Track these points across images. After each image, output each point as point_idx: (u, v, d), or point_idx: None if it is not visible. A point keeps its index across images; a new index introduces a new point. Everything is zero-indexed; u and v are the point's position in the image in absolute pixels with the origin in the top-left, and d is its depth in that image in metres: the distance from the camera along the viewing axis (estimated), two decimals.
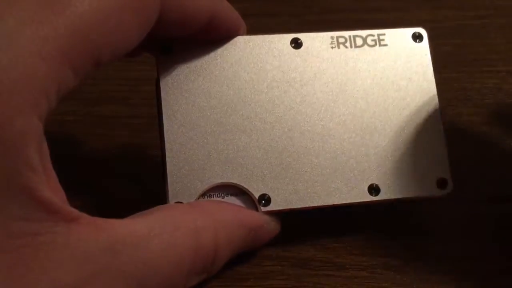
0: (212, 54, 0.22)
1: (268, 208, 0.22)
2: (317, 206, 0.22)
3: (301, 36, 0.23)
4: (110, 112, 0.28)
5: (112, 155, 0.27)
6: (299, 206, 0.22)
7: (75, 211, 0.17)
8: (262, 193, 0.22)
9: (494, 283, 0.23)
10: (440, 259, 0.23)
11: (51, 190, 0.16)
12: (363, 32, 0.24)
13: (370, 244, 0.24)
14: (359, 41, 0.24)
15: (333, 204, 0.22)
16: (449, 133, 0.23)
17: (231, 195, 0.22)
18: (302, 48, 0.23)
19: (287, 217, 0.22)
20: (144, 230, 0.18)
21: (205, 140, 0.22)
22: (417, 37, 0.24)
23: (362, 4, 0.33)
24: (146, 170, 0.25)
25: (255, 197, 0.22)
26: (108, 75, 0.30)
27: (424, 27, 0.24)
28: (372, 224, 0.24)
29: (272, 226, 0.22)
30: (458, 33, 0.32)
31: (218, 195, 0.22)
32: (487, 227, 0.24)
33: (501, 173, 0.26)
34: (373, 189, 0.22)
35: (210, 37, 0.22)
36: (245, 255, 0.23)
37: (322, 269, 0.23)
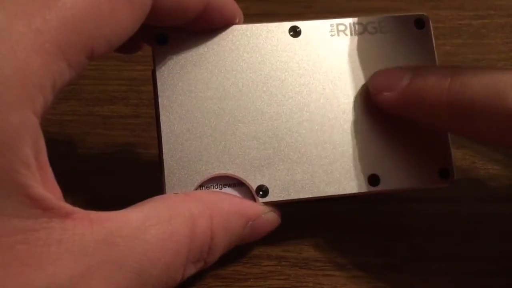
0: (208, 44, 0.22)
1: (266, 199, 0.21)
2: (316, 197, 0.22)
3: (300, 24, 0.23)
4: (110, 112, 0.28)
5: (111, 155, 0.27)
6: (297, 197, 0.22)
7: (69, 206, 0.17)
8: (259, 184, 0.22)
9: (494, 283, 0.23)
10: (440, 259, 0.23)
11: (46, 186, 0.16)
12: (364, 19, 0.23)
13: (370, 244, 0.24)
14: (359, 29, 0.23)
15: (332, 195, 0.22)
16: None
17: (229, 186, 0.22)
18: (301, 36, 0.23)
19: (287, 213, 0.22)
20: (139, 220, 0.18)
21: (202, 131, 0.22)
22: (419, 23, 0.23)
23: (362, 4, 0.33)
24: (146, 170, 0.25)
25: (252, 188, 0.22)
26: (108, 75, 0.30)
27: None
28: (372, 224, 0.24)
29: (271, 217, 0.22)
30: (458, 33, 0.32)
31: (216, 186, 0.22)
32: (487, 227, 0.24)
33: (501, 173, 0.26)
34: (373, 180, 0.22)
35: (206, 26, 0.22)
36: (245, 255, 0.23)
37: (322, 269, 0.23)
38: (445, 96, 0.20)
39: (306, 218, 0.24)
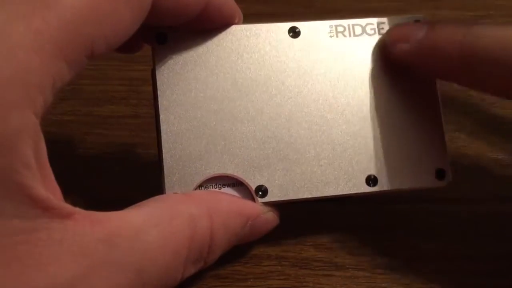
0: (208, 44, 0.22)
1: (265, 199, 0.21)
2: (314, 197, 0.22)
3: (299, 25, 0.23)
4: (110, 112, 0.28)
5: (111, 155, 0.27)
6: (296, 197, 0.22)
7: (69, 207, 0.17)
8: (259, 184, 0.22)
9: (494, 283, 0.23)
10: (440, 259, 0.23)
11: (46, 186, 0.16)
12: (362, 21, 0.23)
13: (370, 244, 0.24)
14: (358, 30, 0.23)
15: (331, 195, 0.22)
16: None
17: (228, 186, 0.22)
18: (300, 37, 0.23)
19: (286, 214, 0.22)
20: (139, 221, 0.18)
21: (201, 131, 0.22)
22: None
23: (362, 5, 0.33)
24: (146, 170, 0.25)
25: (252, 188, 0.21)
26: (108, 75, 0.30)
27: None
28: (372, 224, 0.24)
29: (270, 216, 0.22)
30: None
31: (215, 186, 0.22)
32: (487, 227, 0.24)
33: (501, 172, 0.26)
34: (371, 180, 0.22)
35: (205, 26, 0.22)
36: (245, 255, 0.23)
37: (322, 269, 0.23)
38: (458, 48, 0.20)
39: (305, 218, 0.24)
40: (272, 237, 0.22)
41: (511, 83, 0.20)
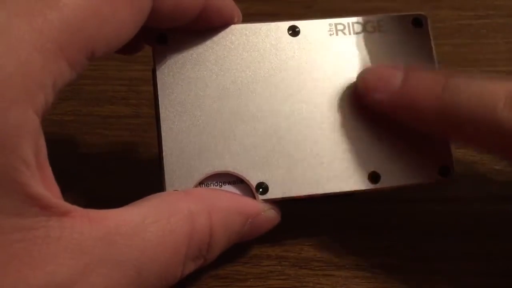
0: (208, 43, 0.22)
1: (266, 197, 0.21)
2: (316, 194, 0.22)
3: (299, 23, 0.23)
4: (110, 112, 0.28)
5: (111, 155, 0.27)
6: (297, 195, 0.22)
7: (67, 205, 0.17)
8: (259, 181, 0.21)
9: (494, 283, 0.23)
10: (440, 259, 0.23)
11: (45, 185, 0.16)
12: (362, 19, 0.23)
13: (370, 244, 0.24)
14: (358, 28, 0.23)
15: (332, 193, 0.22)
16: None
17: (229, 183, 0.22)
18: (300, 35, 0.23)
19: (287, 213, 0.22)
20: (138, 218, 0.18)
21: (201, 129, 0.22)
22: (418, 23, 0.23)
23: (362, 5, 0.33)
24: (146, 170, 0.25)
25: (252, 185, 0.21)
26: (108, 75, 0.30)
27: None
28: (372, 224, 0.24)
29: (271, 214, 0.22)
30: (458, 33, 0.32)
31: (216, 184, 0.22)
32: (487, 227, 0.24)
33: (501, 172, 0.26)
34: (373, 177, 0.22)
35: (205, 26, 0.22)
36: (245, 255, 0.23)
37: (322, 269, 0.23)
38: (436, 103, 0.20)
39: (306, 218, 0.24)
40: (272, 237, 0.22)
41: (490, 142, 0.20)
